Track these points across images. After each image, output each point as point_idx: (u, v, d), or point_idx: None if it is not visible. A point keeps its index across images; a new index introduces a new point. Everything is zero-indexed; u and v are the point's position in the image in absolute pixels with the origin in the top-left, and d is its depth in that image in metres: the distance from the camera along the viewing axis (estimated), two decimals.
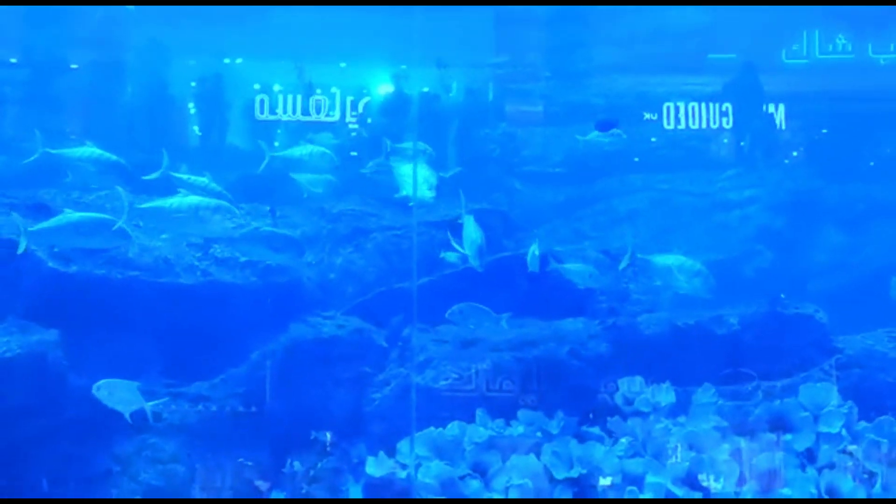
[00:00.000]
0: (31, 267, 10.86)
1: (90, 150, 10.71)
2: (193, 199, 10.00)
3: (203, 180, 10.45)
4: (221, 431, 10.86)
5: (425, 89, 15.95)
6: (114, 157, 10.77)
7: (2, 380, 10.18)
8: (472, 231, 10.31)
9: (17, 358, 10.29)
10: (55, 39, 14.96)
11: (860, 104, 15.72)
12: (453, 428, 10.27)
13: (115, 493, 10.28)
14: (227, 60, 16.35)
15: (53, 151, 10.78)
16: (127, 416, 9.69)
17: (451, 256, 11.06)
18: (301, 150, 12.14)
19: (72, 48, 15.13)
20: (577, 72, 16.64)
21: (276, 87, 14.70)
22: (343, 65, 16.35)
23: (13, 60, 15.53)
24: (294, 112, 14.11)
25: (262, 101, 14.08)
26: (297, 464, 10.52)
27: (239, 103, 15.28)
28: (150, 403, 9.85)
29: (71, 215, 10.08)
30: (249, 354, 11.31)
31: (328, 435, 10.70)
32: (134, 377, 10.10)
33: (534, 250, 10.93)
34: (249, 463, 10.56)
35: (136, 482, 10.36)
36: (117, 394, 9.66)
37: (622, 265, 11.38)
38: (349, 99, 14.38)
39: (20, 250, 9.89)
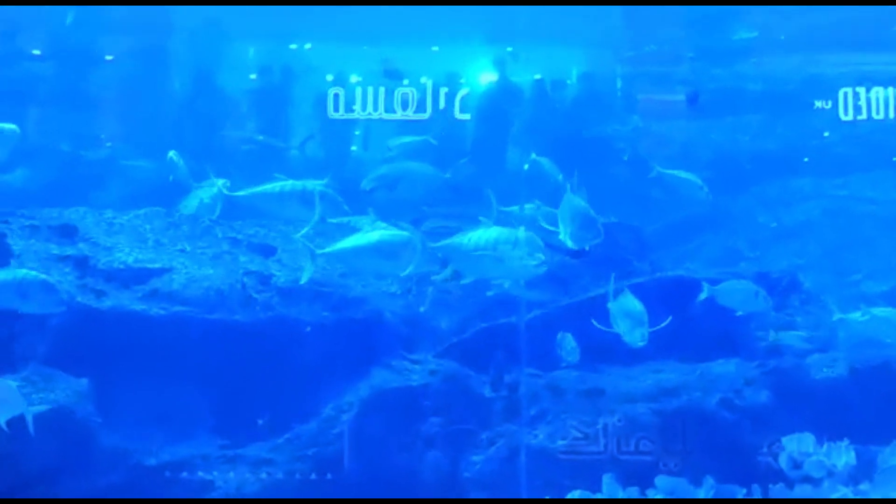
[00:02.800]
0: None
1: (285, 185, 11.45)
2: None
3: None
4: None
5: (537, 76, 15.99)
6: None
7: (24, 441, 10.39)
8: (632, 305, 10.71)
9: (41, 414, 10.52)
10: (85, 25, 15.28)
11: None
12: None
13: None
14: (293, 46, 16.58)
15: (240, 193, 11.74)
16: (2, 422, 9.76)
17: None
18: None
19: (106, 35, 15.44)
20: (728, 50, 16.52)
21: (354, 79, 14.82)
22: (436, 48, 16.49)
23: (36, 52, 15.94)
24: (375, 109, 14.19)
25: (336, 96, 14.18)
26: None
27: (308, 98, 15.47)
28: (33, 409, 9.89)
29: (369, 234, 10.70)
30: (321, 408, 11.37)
31: None
32: (181, 436, 10.25)
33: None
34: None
35: None
36: None
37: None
38: (443, 91, 14.39)
39: (303, 280, 10.91)
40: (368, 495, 10.91)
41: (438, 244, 10.64)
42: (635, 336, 10.52)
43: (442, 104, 13.86)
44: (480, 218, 10.58)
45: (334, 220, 11.45)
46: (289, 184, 11.45)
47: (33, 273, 10.53)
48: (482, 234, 10.22)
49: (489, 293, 11.67)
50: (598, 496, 10.28)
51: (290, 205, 11.48)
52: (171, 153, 13.74)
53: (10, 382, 9.93)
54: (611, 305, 10.74)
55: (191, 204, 13.06)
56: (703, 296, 11.52)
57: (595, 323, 10.78)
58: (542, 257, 9.98)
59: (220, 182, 12.10)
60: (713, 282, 11.70)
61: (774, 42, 16.45)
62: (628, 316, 10.60)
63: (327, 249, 10.76)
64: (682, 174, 13.42)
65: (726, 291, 11.58)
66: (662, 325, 10.77)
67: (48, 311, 10.54)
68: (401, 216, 12.53)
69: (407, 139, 14.34)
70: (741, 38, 16.51)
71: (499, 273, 10.80)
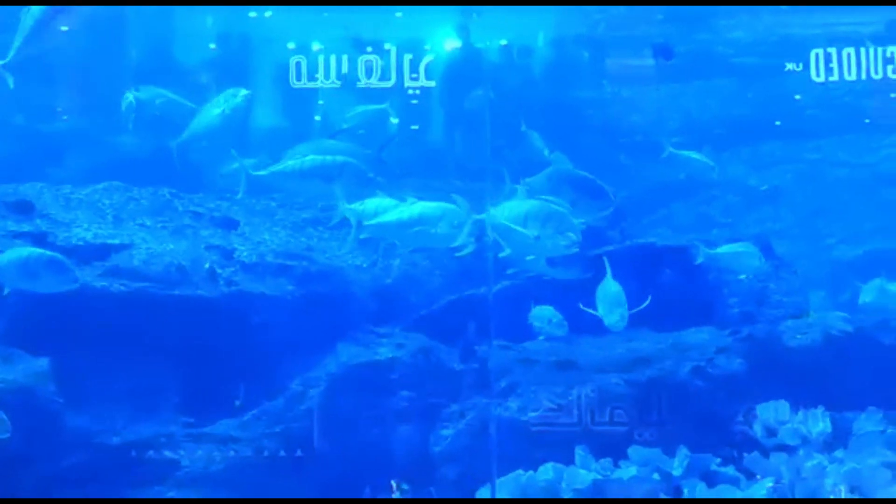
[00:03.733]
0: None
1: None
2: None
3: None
4: (256, 481, 10.93)
5: (503, 42, 15.97)
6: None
7: None
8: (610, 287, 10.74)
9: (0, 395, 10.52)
10: None
11: None
12: (546, 471, 10.26)
13: None
14: (252, 14, 16.47)
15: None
16: None
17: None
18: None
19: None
20: (698, 12, 16.51)
21: (316, 46, 14.75)
22: (399, 14, 16.41)
23: None
24: (339, 77, 14.14)
25: (297, 65, 14.11)
26: None
27: (269, 68, 15.41)
28: None
29: (412, 206, 10.62)
30: (288, 384, 11.39)
31: (394, 484, 10.75)
32: (145, 415, 10.23)
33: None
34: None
35: None
36: None
37: None
38: (407, 58, 14.35)
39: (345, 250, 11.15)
40: (338, 471, 10.95)
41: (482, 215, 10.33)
42: (614, 317, 10.61)
43: (406, 71, 13.85)
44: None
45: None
46: (309, 158, 11.46)
47: (39, 251, 10.49)
48: (515, 207, 10.05)
49: (510, 271, 11.48)
50: (571, 468, 10.33)
51: (313, 179, 11.47)
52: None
53: None
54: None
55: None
56: (699, 259, 11.60)
57: (582, 306, 10.82)
58: (574, 237, 9.74)
59: (248, 162, 12.03)
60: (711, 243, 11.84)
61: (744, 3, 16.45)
62: (606, 297, 10.68)
63: (372, 221, 10.69)
64: (694, 154, 13.52)
65: (726, 255, 11.65)
66: (642, 306, 10.83)
67: (60, 290, 10.39)
68: None
69: (363, 108, 14.30)
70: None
71: (526, 250, 10.55)
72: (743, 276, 11.87)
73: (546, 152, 13.67)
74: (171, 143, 12.69)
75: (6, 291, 10.42)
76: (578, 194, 10.31)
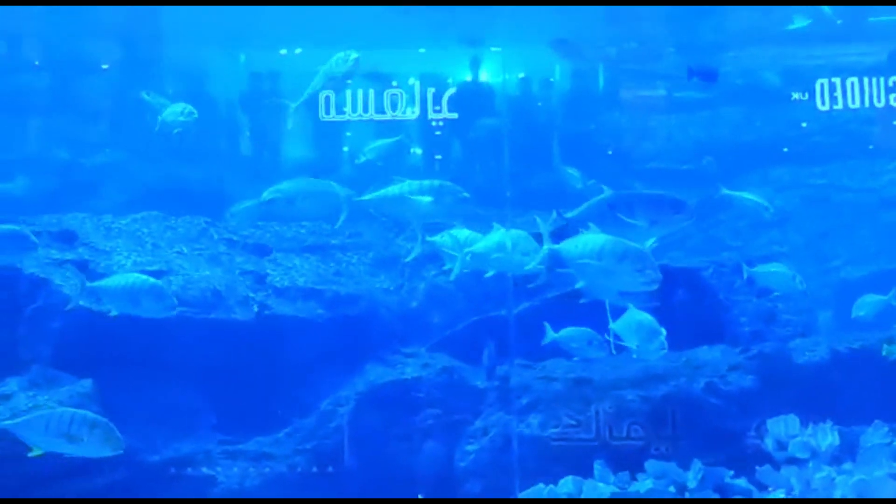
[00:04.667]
0: (57, 306, 11.08)
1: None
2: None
3: None
4: (289, 496, 10.94)
5: (521, 75, 16.00)
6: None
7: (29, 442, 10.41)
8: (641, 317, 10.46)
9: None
10: (79, 34, 15.29)
11: None
12: (567, 484, 10.22)
13: None
14: (283, 51, 16.57)
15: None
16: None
17: None
18: None
19: (98, 44, 15.45)
20: (707, 44, 16.53)
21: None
22: (422, 50, 16.47)
23: (36, 63, 15.94)
24: (365, 111, 14.20)
25: (326, 99, 14.18)
26: None
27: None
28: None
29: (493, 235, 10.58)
30: (319, 403, 11.41)
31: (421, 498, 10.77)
32: (183, 433, 10.25)
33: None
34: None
35: None
36: None
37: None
38: (430, 91, 14.41)
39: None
40: (368, 487, 10.94)
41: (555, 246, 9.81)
42: (652, 350, 10.37)
43: (430, 104, 13.89)
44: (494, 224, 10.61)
45: None
46: (406, 184, 11.40)
47: (143, 277, 10.54)
48: (588, 241, 9.45)
49: (582, 300, 11.28)
50: (590, 481, 10.31)
51: (412, 204, 11.43)
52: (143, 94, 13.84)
53: None
54: (614, 326, 10.58)
55: (239, 210, 13.08)
56: (744, 276, 11.82)
57: (610, 338, 10.65)
58: (654, 274, 9.19)
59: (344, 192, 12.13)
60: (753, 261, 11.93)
61: (753, 35, 16.46)
62: (640, 330, 10.41)
63: (472, 249, 10.67)
64: (747, 195, 13.50)
65: (765, 274, 11.66)
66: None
67: (160, 316, 10.46)
68: None
69: (381, 142, 14.38)
70: (720, 31, 16.52)
71: (604, 284, 10.06)
72: (776, 293, 11.89)
73: (579, 185, 13.73)
74: (291, 104, 12.52)
75: (114, 314, 10.47)
76: (658, 211, 9.70)
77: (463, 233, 11.11)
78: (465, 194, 11.20)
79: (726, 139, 15.41)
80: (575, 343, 10.94)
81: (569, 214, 9.78)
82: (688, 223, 9.70)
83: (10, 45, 15.81)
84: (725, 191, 13.41)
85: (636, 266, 9.08)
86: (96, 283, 10.67)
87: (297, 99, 12.37)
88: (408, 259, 11.82)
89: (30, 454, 9.42)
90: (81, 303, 10.69)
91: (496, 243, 10.47)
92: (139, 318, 10.95)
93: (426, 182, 11.37)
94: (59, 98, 15.60)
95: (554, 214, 9.91)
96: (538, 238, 9.98)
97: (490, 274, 10.75)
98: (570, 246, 9.57)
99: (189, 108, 13.32)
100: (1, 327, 11.35)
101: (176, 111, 13.42)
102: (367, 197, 11.49)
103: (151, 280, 10.54)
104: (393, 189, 11.38)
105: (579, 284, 9.72)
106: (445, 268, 11.13)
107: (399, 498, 10.48)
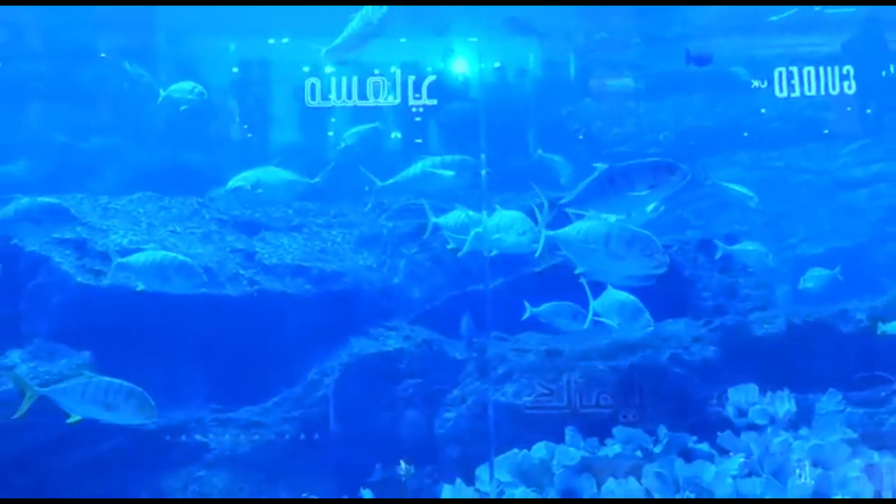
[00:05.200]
0: (57, 282, 11.05)
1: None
2: None
3: None
4: (277, 461, 10.93)
5: (496, 64, 15.96)
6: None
7: (31, 410, 10.35)
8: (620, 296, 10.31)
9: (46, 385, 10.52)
10: (78, 24, 15.21)
11: None
12: (540, 449, 10.24)
13: None
14: (271, 41, 16.49)
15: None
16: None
17: None
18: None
19: (97, 34, 15.37)
20: (672, 36, 16.50)
21: (329, 69, 14.76)
22: (403, 40, 16.40)
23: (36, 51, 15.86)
24: (349, 97, 14.15)
25: (312, 86, 14.12)
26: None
27: (287, 89, 15.45)
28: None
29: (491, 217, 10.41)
30: (305, 373, 11.40)
31: (402, 464, 10.73)
32: (177, 402, 10.22)
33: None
34: (312, 497, 10.62)
35: None
36: None
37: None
38: (411, 79, 14.36)
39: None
40: (352, 452, 10.95)
41: (552, 232, 9.61)
42: (638, 327, 10.29)
43: (410, 91, 13.83)
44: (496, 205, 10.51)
45: None
46: (428, 160, 11.67)
47: (172, 255, 10.57)
48: (593, 227, 9.25)
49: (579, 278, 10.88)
50: (562, 447, 10.32)
51: (435, 179, 11.68)
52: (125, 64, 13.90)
53: None
54: (595, 304, 10.37)
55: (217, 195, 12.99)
56: (718, 254, 11.92)
57: (594, 316, 10.41)
58: (662, 258, 9.04)
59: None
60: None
61: (715, 27, 16.44)
62: (623, 309, 10.29)
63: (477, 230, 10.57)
64: (735, 186, 13.49)
65: (742, 251, 11.68)
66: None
67: (189, 292, 10.48)
68: None
69: (358, 128, 14.36)
70: (684, 24, 16.50)
71: (612, 270, 9.81)
72: (756, 269, 11.94)
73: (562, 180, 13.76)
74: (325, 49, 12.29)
75: (140, 288, 10.52)
76: (655, 176, 9.19)
77: (464, 214, 10.99)
78: (485, 170, 11.22)
79: (691, 124, 15.38)
80: (560, 317, 10.90)
81: (567, 198, 9.40)
82: (684, 183, 9.29)
83: (12, 34, 15.72)
84: (714, 180, 13.45)
85: (645, 251, 8.96)
86: (126, 259, 10.67)
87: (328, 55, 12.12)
88: (425, 236, 11.67)
89: (68, 420, 9.46)
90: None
91: (496, 224, 10.33)
92: (134, 293, 10.96)
93: (447, 157, 11.62)
94: (59, 85, 15.51)
95: (545, 203, 9.64)
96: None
97: (493, 254, 10.57)
98: (571, 231, 9.38)
99: (199, 87, 13.40)
100: (3, 303, 11.31)
101: (185, 88, 13.41)
102: (391, 181, 11.71)
103: (181, 257, 10.53)
104: (415, 168, 11.64)
105: (579, 269, 9.52)
106: (449, 247, 11.01)
107: (399, 498, 10.41)
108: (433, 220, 11.28)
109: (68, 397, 9.44)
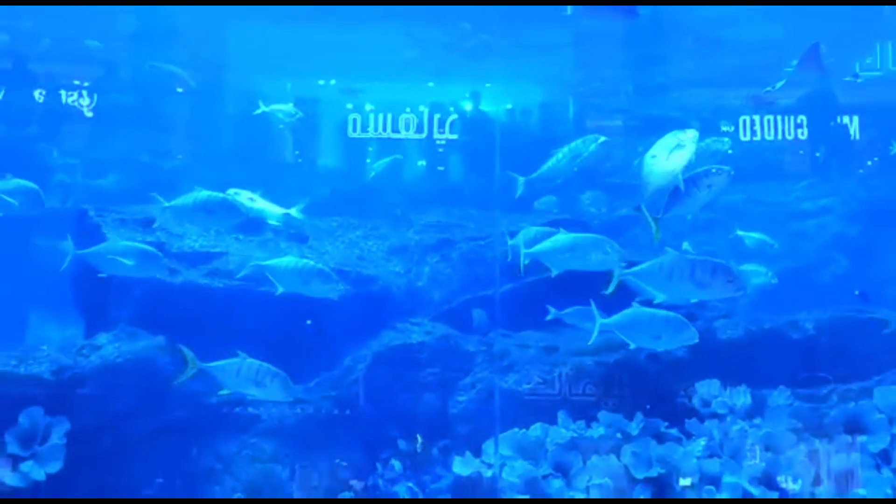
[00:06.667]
0: (139, 278, 11.11)
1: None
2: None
3: None
4: (316, 432, 10.98)
5: (508, 106, 16.05)
6: None
7: (113, 383, 10.47)
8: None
9: (127, 363, 10.64)
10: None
11: None
12: (536, 429, 10.32)
13: (217, 490, 10.48)
14: (321, 82, 16.65)
15: None
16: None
17: None
18: None
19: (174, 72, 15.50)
20: (656, 85, 16.56)
21: (368, 107, 14.89)
22: (431, 84, 16.52)
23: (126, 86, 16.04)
24: (384, 130, 14.25)
25: (354, 120, 14.23)
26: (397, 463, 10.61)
27: (333, 123, 15.56)
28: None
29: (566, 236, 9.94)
30: (342, 359, 11.44)
31: (419, 438, 10.78)
32: None
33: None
34: (344, 463, 10.66)
35: (238, 480, 10.55)
36: None
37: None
38: (436, 117, 14.46)
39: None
40: (378, 427, 10.98)
41: (631, 270, 9.28)
42: (683, 339, 9.70)
43: (435, 127, 13.94)
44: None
45: None
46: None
47: (311, 262, 10.48)
48: (675, 262, 9.02)
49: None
50: (555, 427, 10.36)
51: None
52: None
53: None
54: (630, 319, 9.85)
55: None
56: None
57: (626, 339, 9.92)
58: (740, 283, 8.90)
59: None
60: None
61: (692, 79, 16.51)
62: (668, 325, 9.70)
63: (531, 250, 10.02)
64: (757, 235, 13.81)
65: (746, 271, 12.05)
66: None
67: (325, 296, 10.38)
68: None
69: (383, 161, 14.59)
70: (666, 76, 16.57)
71: (697, 296, 9.50)
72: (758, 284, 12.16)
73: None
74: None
75: (280, 291, 10.41)
76: (709, 177, 9.26)
77: (531, 231, 10.50)
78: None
79: None
80: (582, 319, 10.46)
81: (634, 269, 9.23)
82: (738, 294, 9.30)
83: (107, 70, 15.88)
84: (739, 232, 13.74)
85: (727, 278, 8.84)
86: (266, 263, 10.59)
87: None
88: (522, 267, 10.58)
89: (220, 392, 9.76)
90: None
91: (571, 243, 9.83)
92: (205, 288, 11.05)
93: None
94: (143, 114, 15.65)
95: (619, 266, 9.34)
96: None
97: (556, 273, 9.92)
98: (653, 268, 9.13)
99: (299, 112, 13.89)
100: (94, 294, 11.40)
101: (289, 111, 13.49)
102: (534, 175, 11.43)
103: (319, 265, 10.43)
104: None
105: (659, 299, 9.27)
106: (508, 259, 10.48)
107: (405, 499, 10.40)
108: (510, 241, 10.55)
109: (225, 374, 9.62)
